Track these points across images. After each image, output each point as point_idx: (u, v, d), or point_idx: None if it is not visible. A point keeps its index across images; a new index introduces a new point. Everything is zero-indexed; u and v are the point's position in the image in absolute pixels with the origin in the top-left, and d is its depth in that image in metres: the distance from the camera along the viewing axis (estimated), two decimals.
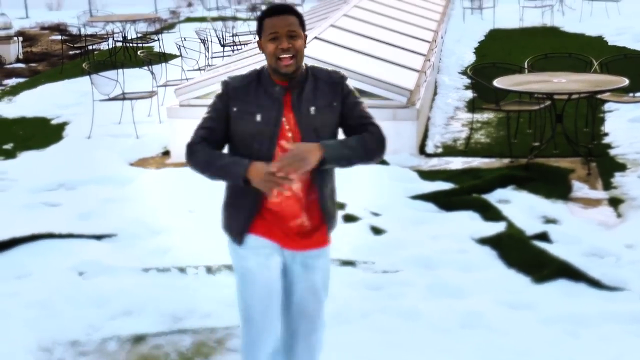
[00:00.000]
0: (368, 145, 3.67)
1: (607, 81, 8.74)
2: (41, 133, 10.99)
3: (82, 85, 12.96)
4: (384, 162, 8.65)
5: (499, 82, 8.92)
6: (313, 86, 3.71)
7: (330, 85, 3.75)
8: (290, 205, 3.74)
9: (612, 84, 8.60)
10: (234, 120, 3.67)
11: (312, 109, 3.67)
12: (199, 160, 3.65)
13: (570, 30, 17.42)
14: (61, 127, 11.24)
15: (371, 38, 11.50)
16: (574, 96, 8.71)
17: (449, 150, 9.54)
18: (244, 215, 3.73)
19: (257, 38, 3.75)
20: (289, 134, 3.66)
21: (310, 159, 3.51)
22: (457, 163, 9.03)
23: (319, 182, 3.73)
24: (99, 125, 10.68)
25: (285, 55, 3.59)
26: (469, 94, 11.72)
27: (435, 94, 12.20)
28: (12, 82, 14.75)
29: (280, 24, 3.61)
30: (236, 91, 3.70)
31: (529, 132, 9.75)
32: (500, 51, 15.22)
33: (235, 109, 3.67)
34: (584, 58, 10.16)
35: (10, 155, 10.04)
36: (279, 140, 3.65)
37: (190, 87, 9.50)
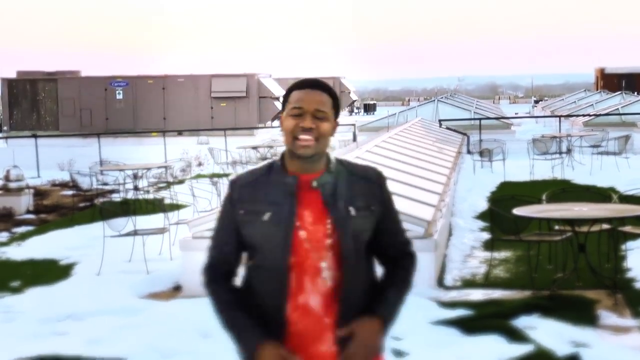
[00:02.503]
0: (411, 286, 3.29)
1: (630, 209, 8.60)
2: (50, 272, 10.78)
3: (93, 230, 12.85)
4: None
5: (518, 211, 8.77)
6: (348, 182, 3.14)
7: (367, 183, 3.19)
8: (309, 327, 3.13)
9: (636, 211, 8.44)
10: (242, 225, 3.15)
11: (352, 209, 3.11)
12: (212, 302, 3.22)
13: (581, 183, 17.45)
14: (70, 266, 11.05)
15: (387, 178, 11.44)
16: (594, 228, 8.55)
17: (468, 283, 9.28)
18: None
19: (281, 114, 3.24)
20: (308, 242, 3.09)
21: (378, 343, 3.04)
22: (477, 294, 8.77)
23: (349, 293, 3.12)
24: (109, 263, 10.50)
25: (305, 136, 3.06)
26: (485, 235, 11.57)
27: (450, 234, 12.03)
28: (21, 229, 14.64)
29: (308, 99, 3.09)
30: (243, 190, 3.18)
31: (549, 268, 9.52)
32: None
33: (242, 212, 3.15)
34: (602, 192, 10.06)
35: (17, 290, 9.83)
36: (293, 248, 3.08)
37: (204, 218, 9.39)
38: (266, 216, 3.09)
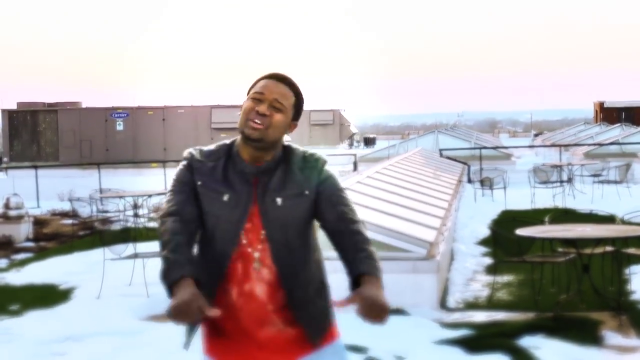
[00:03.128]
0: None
1: (634, 229, 8.55)
2: (49, 296, 10.69)
3: (93, 256, 12.78)
4: (404, 313, 8.34)
5: (521, 232, 8.72)
6: (284, 172, 3.20)
7: (304, 171, 3.22)
8: (255, 310, 3.19)
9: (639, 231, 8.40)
10: (201, 197, 3.19)
11: (279, 199, 3.16)
12: (161, 232, 3.19)
13: (583, 211, 17.40)
14: (70, 290, 10.96)
15: (387, 201, 11.42)
16: (597, 250, 8.50)
17: (471, 306, 9.21)
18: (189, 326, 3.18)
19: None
20: (251, 233, 3.17)
21: (385, 304, 3.00)
22: (480, 316, 8.69)
23: (290, 283, 3.18)
24: (109, 286, 10.43)
25: (257, 120, 3.12)
26: (488, 260, 11.52)
27: (452, 259, 11.96)
28: (20, 256, 14.57)
29: (271, 88, 3.17)
30: (202, 164, 3.22)
31: (552, 291, 9.44)
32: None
33: (199, 183, 3.19)
34: (605, 215, 10.01)
35: (16, 313, 9.74)
36: (244, 233, 3.15)
37: None
38: (225, 197, 3.15)
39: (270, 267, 3.17)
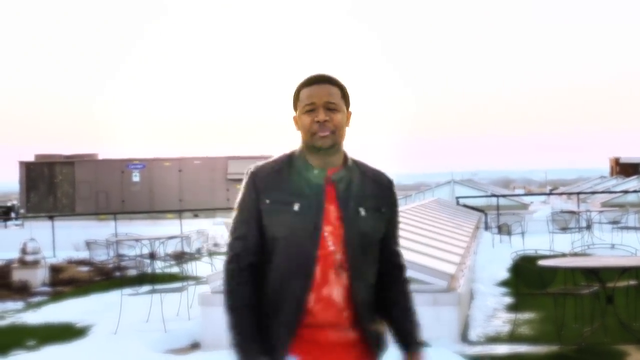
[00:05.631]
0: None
1: None
2: (66, 333, 10.62)
3: (110, 297, 12.75)
4: (425, 345, 8.20)
5: (544, 263, 8.63)
6: (361, 181, 3.18)
7: (379, 185, 3.22)
8: (329, 319, 3.13)
9: None
10: (267, 215, 3.12)
11: (362, 210, 3.13)
12: (228, 303, 3.15)
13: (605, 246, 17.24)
14: (87, 328, 10.89)
15: (405, 238, 11.35)
16: (621, 282, 8.39)
17: (493, 339, 9.07)
18: (284, 332, 3.11)
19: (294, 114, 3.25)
20: (332, 236, 3.09)
21: None
22: (503, 349, 8.56)
23: (359, 290, 3.15)
24: (126, 323, 10.37)
25: (321, 129, 3.10)
26: (508, 300, 11.41)
27: (472, 298, 11.84)
28: (37, 299, 14.52)
29: (318, 93, 3.14)
30: (267, 180, 3.15)
31: (575, 326, 9.30)
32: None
33: (268, 202, 3.12)
34: (627, 248, 9.91)
35: (33, 348, 9.68)
36: (323, 238, 3.08)
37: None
38: (296, 207, 3.08)
39: (346, 271, 3.12)
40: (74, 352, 9.28)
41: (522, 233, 18.71)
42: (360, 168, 3.23)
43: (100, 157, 33.15)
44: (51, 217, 26.12)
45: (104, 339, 9.90)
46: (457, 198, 25.42)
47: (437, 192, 29.79)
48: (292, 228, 3.08)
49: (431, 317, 8.68)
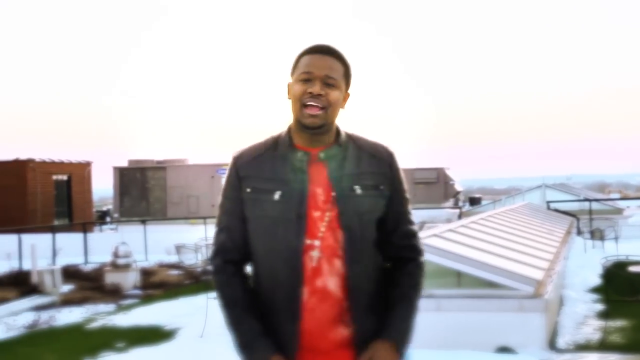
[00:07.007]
0: (420, 292, 2.95)
1: None
2: (154, 335, 10.80)
3: (197, 301, 12.92)
4: (511, 351, 8.08)
5: (635, 269, 8.39)
6: (356, 158, 2.89)
7: (377, 161, 2.91)
8: (327, 312, 2.85)
9: None
10: (248, 205, 2.87)
11: (357, 187, 2.85)
12: (219, 295, 2.92)
13: None
14: (174, 331, 11.06)
15: (491, 243, 11.18)
16: None
17: (582, 347, 8.85)
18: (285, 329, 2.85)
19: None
20: (321, 221, 2.81)
21: None
22: (592, 357, 8.34)
23: (357, 279, 2.86)
24: (213, 326, 10.45)
25: (313, 103, 2.79)
26: (599, 307, 11.11)
27: (561, 305, 11.58)
28: (127, 302, 14.81)
29: (318, 64, 2.83)
30: (249, 166, 2.89)
31: None
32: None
33: (248, 190, 2.87)
34: None
35: (121, 350, 9.87)
36: (307, 228, 2.81)
37: None
38: (276, 195, 2.82)
39: (341, 258, 2.84)
40: (160, 355, 9.44)
41: (616, 238, 18.22)
42: (356, 143, 2.92)
43: (190, 162, 33.75)
44: (143, 222, 26.62)
45: (190, 341, 10.05)
46: (548, 202, 24.92)
47: (528, 196, 29.29)
48: (274, 219, 2.82)
49: (517, 324, 8.54)
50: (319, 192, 2.83)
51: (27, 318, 12.85)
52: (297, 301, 2.81)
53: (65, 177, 36.28)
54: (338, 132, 2.92)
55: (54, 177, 35.46)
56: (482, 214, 17.00)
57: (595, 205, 25.87)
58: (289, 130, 2.91)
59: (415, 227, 3.03)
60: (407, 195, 3.02)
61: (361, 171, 2.87)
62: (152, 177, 32.50)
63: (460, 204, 55.64)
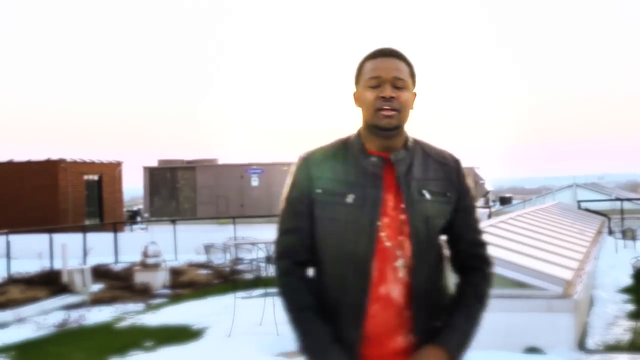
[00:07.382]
0: (485, 304, 2.92)
1: None
2: (182, 334, 10.84)
3: (226, 300, 12.97)
4: (540, 352, 8.02)
5: None
6: (423, 163, 2.87)
7: (443, 167, 2.90)
8: (389, 320, 2.82)
9: None
10: (318, 207, 2.82)
11: (426, 192, 2.82)
12: (284, 298, 2.84)
13: None
14: (202, 330, 11.10)
15: (520, 242, 11.10)
16: None
17: (612, 348, 8.76)
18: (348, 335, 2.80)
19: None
20: (390, 228, 2.78)
21: None
22: (622, 358, 8.25)
23: (422, 288, 2.82)
24: (240, 325, 10.52)
25: (386, 106, 2.77)
26: (630, 307, 11.02)
27: (592, 305, 11.47)
28: (156, 301, 14.88)
29: (385, 67, 2.82)
30: (320, 167, 2.85)
31: None
32: None
33: (319, 191, 2.82)
34: None
35: (150, 349, 9.92)
36: (379, 233, 2.78)
37: None
38: (349, 198, 2.79)
39: (407, 266, 2.81)
40: (188, 354, 9.47)
41: None
42: (423, 148, 2.91)
43: (220, 162, 33.85)
44: (173, 221, 26.72)
45: (218, 341, 10.07)
46: (579, 202, 24.72)
47: (559, 196, 29.08)
48: (345, 222, 2.79)
49: (546, 324, 8.47)
50: (389, 197, 2.81)
51: (57, 317, 12.96)
52: (362, 307, 2.79)
53: (96, 177, 36.58)
54: (406, 137, 2.91)
55: (85, 177, 35.75)
56: (511, 213, 16.86)
57: (627, 205, 25.60)
58: (359, 134, 2.90)
59: (483, 237, 3.00)
60: (475, 203, 3.00)
61: (429, 177, 2.86)
62: (182, 177, 32.63)
63: (490, 203, 55.39)
